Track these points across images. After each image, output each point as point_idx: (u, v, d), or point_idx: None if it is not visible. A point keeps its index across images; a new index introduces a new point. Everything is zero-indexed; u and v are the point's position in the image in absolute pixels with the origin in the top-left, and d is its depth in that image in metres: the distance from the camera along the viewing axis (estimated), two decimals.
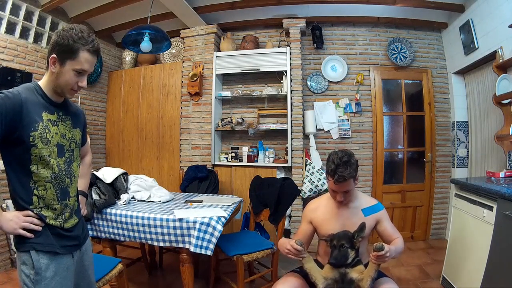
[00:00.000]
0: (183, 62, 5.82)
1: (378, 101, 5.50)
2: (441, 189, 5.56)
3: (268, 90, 5.39)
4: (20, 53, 4.60)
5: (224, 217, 3.22)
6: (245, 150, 5.42)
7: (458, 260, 3.62)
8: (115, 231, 3.30)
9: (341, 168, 2.45)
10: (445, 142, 5.52)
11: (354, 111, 5.47)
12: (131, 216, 3.22)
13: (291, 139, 5.23)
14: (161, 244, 3.17)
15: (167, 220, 3.12)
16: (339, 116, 5.47)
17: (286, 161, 5.23)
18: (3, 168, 1.92)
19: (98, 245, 3.59)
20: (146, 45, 4.06)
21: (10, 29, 4.52)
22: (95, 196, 3.50)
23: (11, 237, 4.18)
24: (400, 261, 4.66)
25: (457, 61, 5.21)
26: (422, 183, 5.57)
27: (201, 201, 3.82)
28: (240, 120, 5.47)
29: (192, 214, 3.21)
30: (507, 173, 3.82)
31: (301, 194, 5.13)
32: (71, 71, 1.84)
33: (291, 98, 5.25)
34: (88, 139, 2.42)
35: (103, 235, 3.38)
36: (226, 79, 5.82)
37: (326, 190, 5.01)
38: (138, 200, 3.81)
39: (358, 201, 2.72)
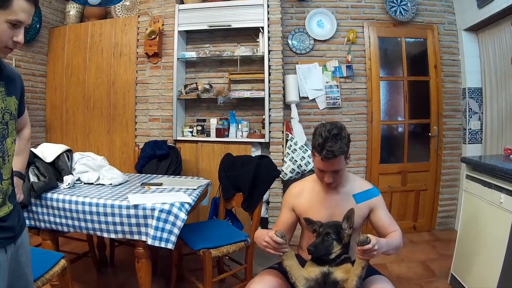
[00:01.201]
0: (138, 17, 5.91)
1: (374, 64, 5.68)
2: (449, 169, 5.80)
3: (242, 50, 5.50)
4: None
5: (188, 203, 3.30)
6: (213, 122, 5.55)
7: (470, 255, 3.70)
8: (57, 220, 3.33)
9: (330, 142, 2.48)
10: (455, 113, 5.74)
11: (345, 75, 5.63)
12: (77, 202, 3.23)
13: (269, 109, 5.36)
14: (113, 235, 3.22)
15: (120, 206, 3.16)
16: (326, 82, 5.63)
17: (263, 136, 5.40)
18: None
19: (36, 237, 3.62)
20: None
21: None
22: (33, 178, 3.47)
23: None
24: (400, 256, 4.84)
25: (468, 16, 5.35)
26: (426, 162, 5.81)
27: (161, 184, 3.89)
28: (207, 87, 5.61)
29: (150, 199, 3.25)
30: None
31: (281, 175, 5.30)
32: (3, 23, 1.76)
33: (269, 60, 5.37)
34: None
35: (42, 225, 3.41)
36: (191, 37, 5.92)
37: (311, 171, 5.18)
38: (84, 183, 3.82)
39: (349, 185, 2.79)
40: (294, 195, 2.87)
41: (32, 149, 3.75)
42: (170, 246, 3.12)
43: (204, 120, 5.72)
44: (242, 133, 5.48)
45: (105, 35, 6.06)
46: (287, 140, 5.39)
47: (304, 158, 5.25)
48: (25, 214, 3.38)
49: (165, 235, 3.12)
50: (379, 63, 5.70)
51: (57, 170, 3.80)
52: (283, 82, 5.47)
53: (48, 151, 3.83)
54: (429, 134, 5.76)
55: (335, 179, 2.65)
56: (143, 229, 3.17)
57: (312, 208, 2.77)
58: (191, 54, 5.67)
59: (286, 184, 5.29)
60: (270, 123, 5.39)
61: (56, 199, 3.31)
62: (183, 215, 3.15)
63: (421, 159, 5.81)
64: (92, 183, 3.83)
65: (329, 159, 2.51)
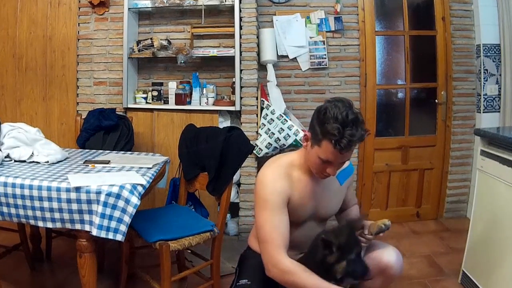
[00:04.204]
0: None
1: (368, 15, 5.70)
2: (460, 144, 5.88)
3: None
4: None
5: (141, 185, 3.28)
6: (172, 86, 5.55)
7: (486, 248, 3.72)
8: None
9: (350, 129, 2.41)
10: (467, 75, 5.80)
11: (333, 29, 5.65)
12: (5, 184, 3.14)
13: (240, 70, 5.38)
14: (49, 225, 3.16)
15: (58, 189, 3.07)
16: (310, 37, 5.65)
17: (233, 103, 5.44)
18: None
19: None
20: None
21: None
22: None
23: None
24: (400, 250, 4.71)
25: None
26: (432, 135, 5.90)
27: (108, 162, 3.89)
28: (165, 43, 5.60)
29: (95, 180, 3.20)
30: None
31: (254, 151, 5.33)
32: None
33: (240, 11, 5.36)
34: None
35: None
36: None
37: (291, 146, 5.24)
38: (15, 160, 3.77)
39: None
40: (285, 184, 2.74)
41: None
42: (119, 237, 3.10)
43: (161, 84, 5.71)
44: (207, 99, 5.51)
45: None
46: (262, 108, 5.43)
47: (283, 130, 5.28)
48: None
49: (113, 224, 3.08)
50: (374, 15, 5.71)
51: None
52: (258, 37, 5.47)
53: None
54: (436, 100, 5.82)
55: (337, 170, 2.67)
56: (86, 217, 3.12)
57: (303, 202, 2.79)
58: (145, 3, 5.64)
59: (261, 162, 5.12)
60: (241, 87, 5.41)
61: None
62: (135, 200, 3.12)
63: (426, 131, 5.91)
64: (24, 161, 3.78)
65: (348, 151, 2.48)
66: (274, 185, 2.70)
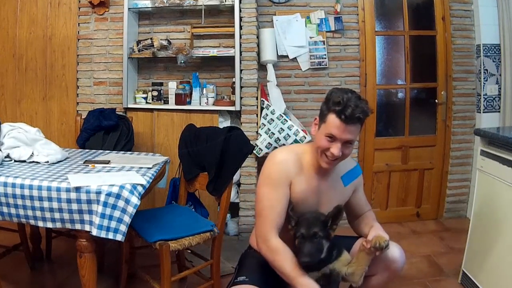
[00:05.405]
0: None
1: (368, 15, 5.70)
2: (460, 144, 5.88)
3: None
4: None
5: (141, 185, 3.29)
6: (172, 86, 5.56)
7: (486, 248, 3.71)
8: None
9: (354, 101, 2.48)
10: (467, 75, 5.80)
11: (333, 29, 5.66)
12: (5, 184, 3.14)
13: (240, 70, 5.38)
14: (49, 224, 3.16)
15: (58, 189, 3.08)
16: (310, 37, 5.66)
17: (233, 103, 5.44)
18: None
19: None
20: None
21: None
22: None
23: None
24: None
25: None
26: (432, 135, 5.91)
27: (108, 162, 3.89)
28: (165, 43, 5.60)
29: (95, 181, 3.20)
30: None
31: (254, 151, 5.34)
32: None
33: (240, 11, 5.36)
34: None
35: None
36: None
37: None
38: (15, 160, 3.77)
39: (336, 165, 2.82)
40: (292, 168, 2.79)
41: None
42: (119, 237, 3.10)
43: (161, 84, 5.71)
44: (207, 99, 5.51)
45: None
46: (262, 108, 5.44)
47: (283, 130, 5.29)
48: None
49: (113, 224, 3.08)
50: (374, 15, 5.72)
51: None
52: (258, 37, 5.48)
53: None
54: (436, 100, 5.82)
55: (343, 154, 2.63)
56: (86, 217, 3.12)
57: (306, 195, 2.81)
58: (145, 3, 5.63)
59: (261, 161, 5.09)
60: (241, 87, 5.41)
61: None
62: (135, 200, 3.13)
63: (426, 131, 5.91)
64: (24, 161, 3.78)
65: (352, 122, 2.50)
66: (283, 165, 2.77)
